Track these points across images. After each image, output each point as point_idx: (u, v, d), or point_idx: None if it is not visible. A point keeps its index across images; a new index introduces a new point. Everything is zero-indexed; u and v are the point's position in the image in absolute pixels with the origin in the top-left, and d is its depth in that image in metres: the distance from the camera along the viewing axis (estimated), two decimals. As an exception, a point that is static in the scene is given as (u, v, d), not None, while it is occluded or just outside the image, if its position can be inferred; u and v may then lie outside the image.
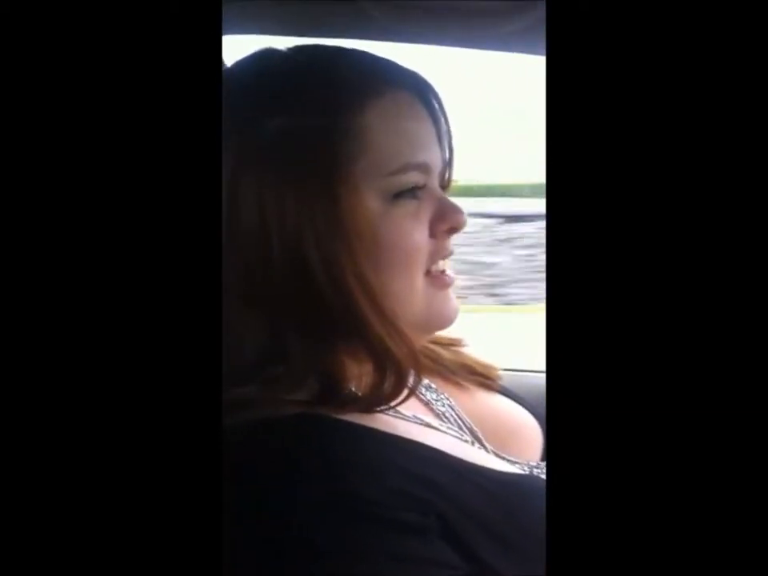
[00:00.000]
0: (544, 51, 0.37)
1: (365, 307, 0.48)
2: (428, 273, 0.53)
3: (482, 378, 0.64)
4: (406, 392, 0.50)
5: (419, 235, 0.51)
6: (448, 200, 0.54)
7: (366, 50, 0.55)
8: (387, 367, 0.49)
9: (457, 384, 0.63)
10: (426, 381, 0.61)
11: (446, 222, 0.53)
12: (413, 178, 0.51)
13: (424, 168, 0.52)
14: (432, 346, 0.64)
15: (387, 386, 0.49)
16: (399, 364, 0.49)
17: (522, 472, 0.54)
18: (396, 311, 0.50)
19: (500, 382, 0.65)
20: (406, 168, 0.50)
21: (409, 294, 0.52)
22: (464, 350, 0.67)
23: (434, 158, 0.53)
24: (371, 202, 0.50)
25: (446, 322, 0.56)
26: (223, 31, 0.44)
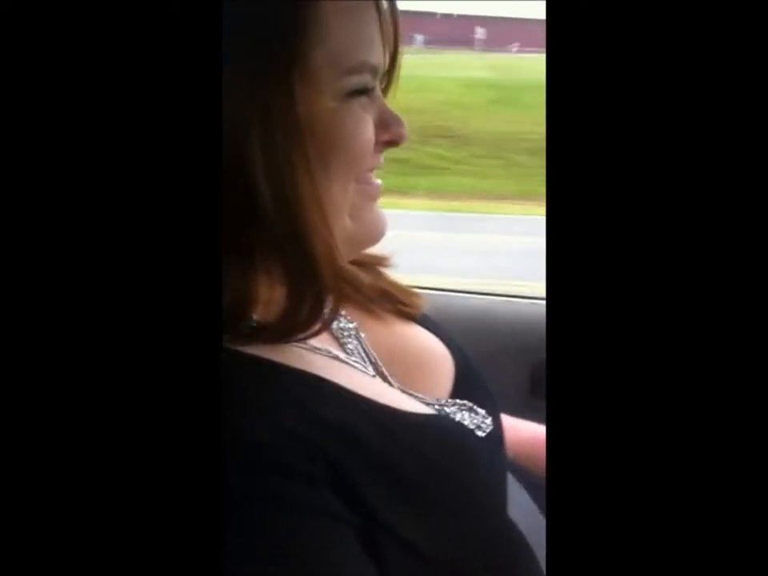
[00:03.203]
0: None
1: (305, 212, 0.44)
2: (357, 181, 0.50)
3: (401, 305, 0.61)
4: (319, 325, 0.47)
5: (366, 139, 0.49)
6: (391, 110, 0.51)
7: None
8: (306, 289, 0.46)
9: (371, 312, 0.60)
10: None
11: (388, 131, 0.51)
12: (367, 78, 0.48)
13: (375, 70, 0.49)
14: (351, 268, 0.59)
15: (302, 311, 0.46)
16: (321, 286, 0.46)
17: (431, 412, 0.52)
18: (329, 221, 0.46)
19: (420, 311, 0.62)
20: (362, 67, 0.48)
21: (341, 201, 0.48)
22: (387, 271, 0.63)
23: (382, 62, 0.50)
24: (326, 98, 0.46)
25: (376, 236, 0.53)
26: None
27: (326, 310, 0.47)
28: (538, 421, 0.83)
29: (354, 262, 0.60)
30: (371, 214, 0.52)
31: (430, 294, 1.20)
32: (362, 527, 0.42)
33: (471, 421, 0.54)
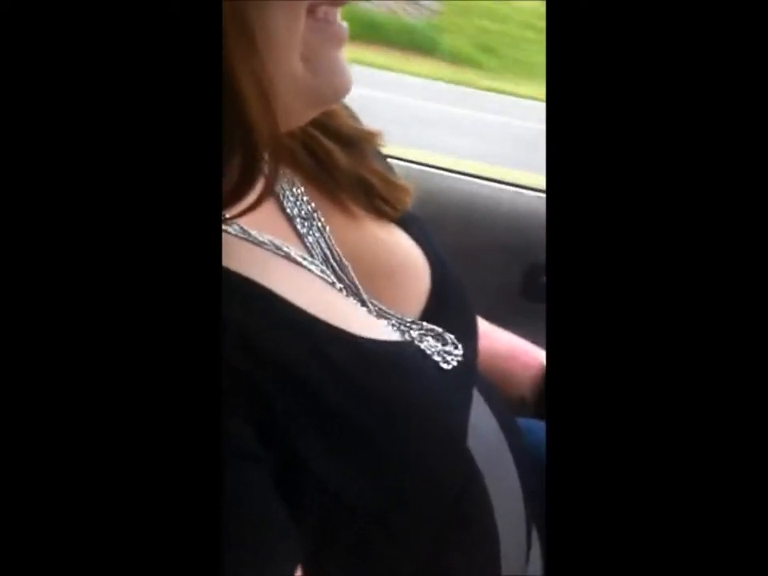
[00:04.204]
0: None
1: (225, 42, 0.33)
2: (312, 12, 0.38)
3: (381, 201, 0.51)
4: (258, 191, 0.38)
5: None
6: None
7: None
8: (234, 140, 0.36)
9: (341, 205, 0.50)
10: (299, 189, 0.48)
11: None
12: None
13: None
14: (328, 144, 0.49)
15: (230, 173, 0.36)
16: (251, 136, 0.36)
17: (393, 338, 0.45)
18: (267, 63, 0.36)
19: (403, 210, 0.53)
20: None
21: (286, 36, 0.38)
22: (375, 155, 0.54)
23: None
24: None
25: (337, 89, 0.42)
26: None
27: (264, 173, 0.38)
28: (527, 324, 0.77)
29: (330, 136, 0.50)
30: (331, 61, 0.41)
31: (424, 171, 1.09)
32: (279, 468, 0.36)
33: (436, 350, 0.47)
